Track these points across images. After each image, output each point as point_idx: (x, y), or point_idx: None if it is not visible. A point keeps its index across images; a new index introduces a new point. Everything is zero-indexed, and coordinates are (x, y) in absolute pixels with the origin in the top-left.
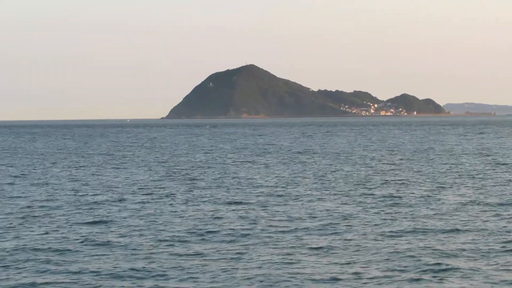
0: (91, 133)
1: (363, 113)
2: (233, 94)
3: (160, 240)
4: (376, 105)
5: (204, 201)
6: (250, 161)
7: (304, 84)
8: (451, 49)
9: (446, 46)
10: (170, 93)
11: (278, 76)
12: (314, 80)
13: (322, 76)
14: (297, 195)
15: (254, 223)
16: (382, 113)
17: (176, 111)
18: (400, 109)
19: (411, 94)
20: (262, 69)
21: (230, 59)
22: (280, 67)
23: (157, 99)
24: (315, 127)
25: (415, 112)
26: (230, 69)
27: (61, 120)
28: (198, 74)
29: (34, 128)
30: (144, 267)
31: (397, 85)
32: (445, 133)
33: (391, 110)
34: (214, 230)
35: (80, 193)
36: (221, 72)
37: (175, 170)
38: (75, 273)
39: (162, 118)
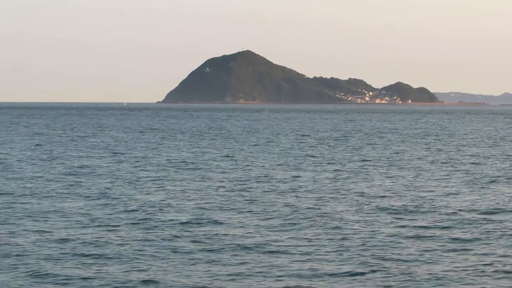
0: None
1: (359, 100)
2: (230, 80)
3: None
4: (371, 93)
5: None
6: None
7: (299, 71)
8: (436, 38)
9: (432, 34)
10: (166, 77)
11: (274, 62)
12: (309, 67)
13: (317, 63)
14: None
15: None
16: (377, 101)
17: (173, 96)
18: (395, 97)
19: (405, 83)
20: (258, 55)
21: (227, 44)
22: (276, 54)
23: (153, 83)
24: (388, 115)
25: (409, 101)
26: (227, 54)
27: (53, 103)
28: (194, 59)
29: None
30: None
31: (391, 73)
32: None
33: (386, 98)
34: None
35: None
36: (217, 57)
37: None
38: None
39: (158, 102)
